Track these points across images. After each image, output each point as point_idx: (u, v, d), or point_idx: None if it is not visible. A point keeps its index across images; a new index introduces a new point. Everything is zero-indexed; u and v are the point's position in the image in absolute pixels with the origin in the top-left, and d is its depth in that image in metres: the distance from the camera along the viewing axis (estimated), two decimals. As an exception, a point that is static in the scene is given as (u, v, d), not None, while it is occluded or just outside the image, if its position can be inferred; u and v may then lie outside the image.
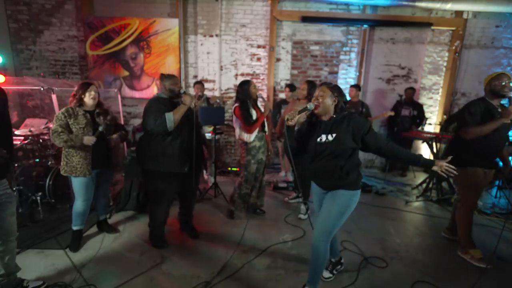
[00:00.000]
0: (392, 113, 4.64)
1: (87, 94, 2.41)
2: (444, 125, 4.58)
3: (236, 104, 2.97)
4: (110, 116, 2.57)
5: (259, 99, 3.09)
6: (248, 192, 3.16)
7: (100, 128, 2.43)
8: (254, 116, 2.95)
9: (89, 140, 2.34)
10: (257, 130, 2.98)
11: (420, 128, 4.79)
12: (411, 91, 4.95)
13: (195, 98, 2.43)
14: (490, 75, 2.36)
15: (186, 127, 2.44)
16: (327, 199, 1.89)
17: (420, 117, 4.90)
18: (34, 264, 2.29)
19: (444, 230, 2.95)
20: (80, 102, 2.43)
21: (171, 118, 2.28)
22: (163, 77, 2.49)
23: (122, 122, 4.69)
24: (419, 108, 4.99)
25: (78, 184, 2.44)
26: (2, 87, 1.81)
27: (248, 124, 2.90)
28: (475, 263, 2.44)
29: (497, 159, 2.55)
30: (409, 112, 4.88)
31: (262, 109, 3.06)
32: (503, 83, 2.27)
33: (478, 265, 2.42)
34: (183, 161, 2.43)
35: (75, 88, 2.43)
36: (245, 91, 2.92)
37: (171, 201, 2.63)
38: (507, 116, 2.19)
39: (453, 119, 4.61)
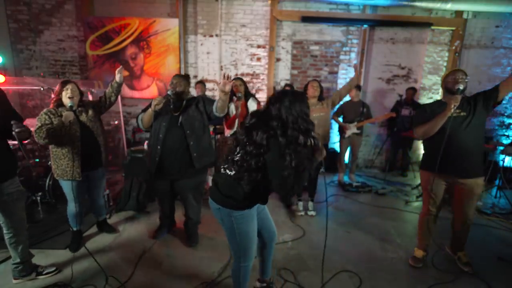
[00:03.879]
0: (394, 115, 4.63)
1: (63, 93, 2.28)
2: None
3: None
4: (91, 110, 2.46)
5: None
6: None
7: (69, 103, 2.24)
8: (231, 112, 3.04)
9: (67, 116, 2.18)
10: (235, 128, 3.03)
11: None
12: (411, 91, 4.94)
13: (162, 100, 2.31)
14: (445, 73, 2.26)
15: (166, 130, 2.37)
16: (263, 208, 1.82)
17: None
18: (34, 264, 2.29)
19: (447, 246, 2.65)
20: (59, 102, 2.30)
21: (140, 117, 2.47)
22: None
23: (122, 122, 4.70)
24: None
25: (67, 187, 2.39)
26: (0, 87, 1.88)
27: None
28: (410, 261, 2.46)
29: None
30: (409, 112, 4.87)
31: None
32: (455, 78, 2.12)
33: (411, 263, 2.44)
34: (153, 162, 2.44)
35: (55, 88, 2.31)
36: None
37: (166, 200, 2.68)
38: (449, 107, 2.06)
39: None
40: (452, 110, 2.07)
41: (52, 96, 2.33)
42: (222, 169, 1.59)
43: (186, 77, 2.48)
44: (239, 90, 3.02)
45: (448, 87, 2.18)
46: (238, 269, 1.72)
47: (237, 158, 1.51)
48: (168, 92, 2.35)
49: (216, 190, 1.58)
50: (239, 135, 1.58)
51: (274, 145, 1.40)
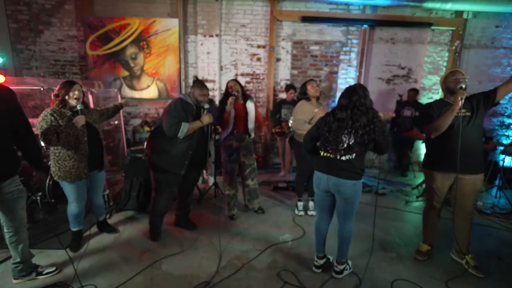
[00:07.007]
0: (394, 115, 4.64)
1: (70, 94, 2.22)
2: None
3: None
4: (95, 114, 2.50)
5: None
6: (229, 193, 3.18)
7: (79, 107, 2.22)
8: (232, 113, 3.04)
9: (80, 120, 2.19)
10: (230, 127, 3.03)
11: None
12: (413, 92, 4.93)
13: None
14: (444, 74, 2.33)
15: (197, 136, 2.55)
16: None
17: None
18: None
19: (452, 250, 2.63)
20: (63, 103, 2.24)
21: (185, 130, 2.42)
22: (197, 83, 2.55)
23: (122, 122, 4.71)
24: None
25: (69, 188, 2.36)
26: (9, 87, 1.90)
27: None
28: (415, 254, 2.57)
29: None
30: (411, 113, 4.87)
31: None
32: (457, 78, 2.20)
33: (416, 256, 2.55)
34: (181, 164, 2.56)
35: (57, 88, 2.24)
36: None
37: (171, 194, 2.74)
38: (456, 101, 2.08)
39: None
40: (461, 103, 2.07)
41: (54, 94, 2.25)
42: (339, 158, 1.99)
43: None
44: (235, 89, 3.03)
45: (450, 87, 2.25)
46: (351, 228, 2.16)
47: (349, 143, 1.95)
48: (205, 106, 2.56)
49: (351, 171, 1.99)
50: (341, 127, 1.99)
51: (376, 124, 1.94)
